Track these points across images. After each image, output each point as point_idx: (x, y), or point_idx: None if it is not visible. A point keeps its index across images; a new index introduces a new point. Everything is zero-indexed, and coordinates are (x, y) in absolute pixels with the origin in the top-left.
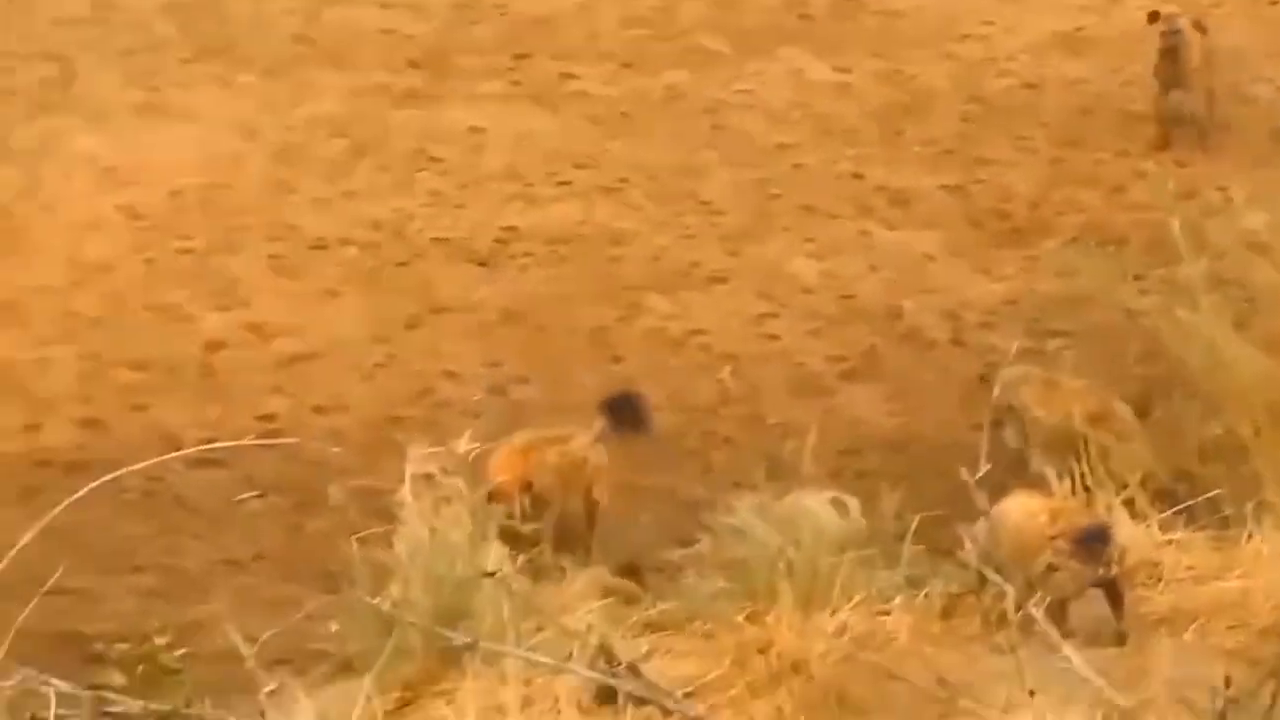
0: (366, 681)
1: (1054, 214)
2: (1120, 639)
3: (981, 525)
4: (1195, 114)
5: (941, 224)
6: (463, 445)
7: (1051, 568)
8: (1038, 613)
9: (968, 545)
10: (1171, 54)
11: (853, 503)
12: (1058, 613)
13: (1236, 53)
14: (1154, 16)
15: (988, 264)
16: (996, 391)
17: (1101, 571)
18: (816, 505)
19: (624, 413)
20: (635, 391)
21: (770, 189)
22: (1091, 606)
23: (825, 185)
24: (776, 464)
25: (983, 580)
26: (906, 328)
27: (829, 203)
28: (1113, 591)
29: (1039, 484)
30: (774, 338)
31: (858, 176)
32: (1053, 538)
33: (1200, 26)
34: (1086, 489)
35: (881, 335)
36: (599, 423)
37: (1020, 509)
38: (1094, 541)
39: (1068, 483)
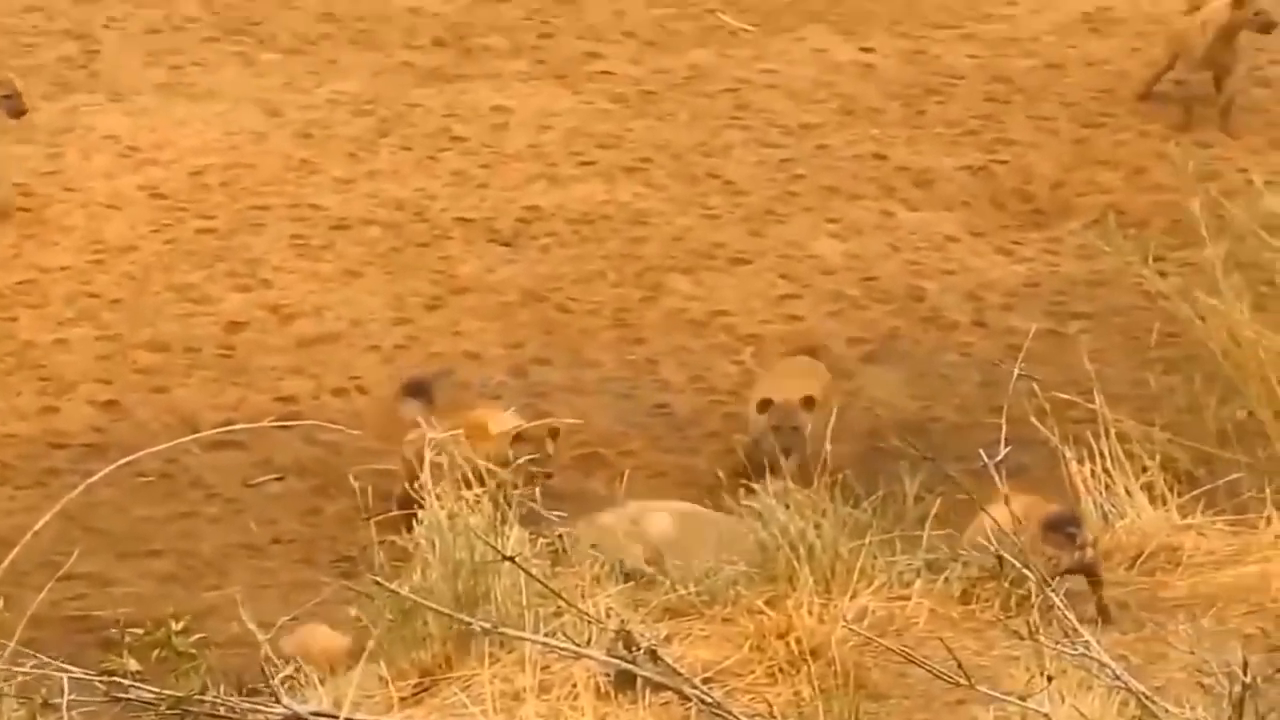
0: (383, 668)
1: (1075, 195)
2: (1104, 616)
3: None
4: (1231, 96)
5: (964, 205)
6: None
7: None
8: (1057, 598)
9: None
10: (1231, 36)
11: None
12: None
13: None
14: (1239, 2)
15: (1009, 245)
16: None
17: (1078, 555)
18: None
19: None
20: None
21: (793, 169)
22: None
23: (848, 165)
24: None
25: (1001, 564)
26: (928, 309)
27: (852, 183)
28: (1091, 574)
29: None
30: (796, 319)
31: (881, 157)
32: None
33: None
34: (1106, 472)
35: (903, 317)
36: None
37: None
38: (1064, 526)
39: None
